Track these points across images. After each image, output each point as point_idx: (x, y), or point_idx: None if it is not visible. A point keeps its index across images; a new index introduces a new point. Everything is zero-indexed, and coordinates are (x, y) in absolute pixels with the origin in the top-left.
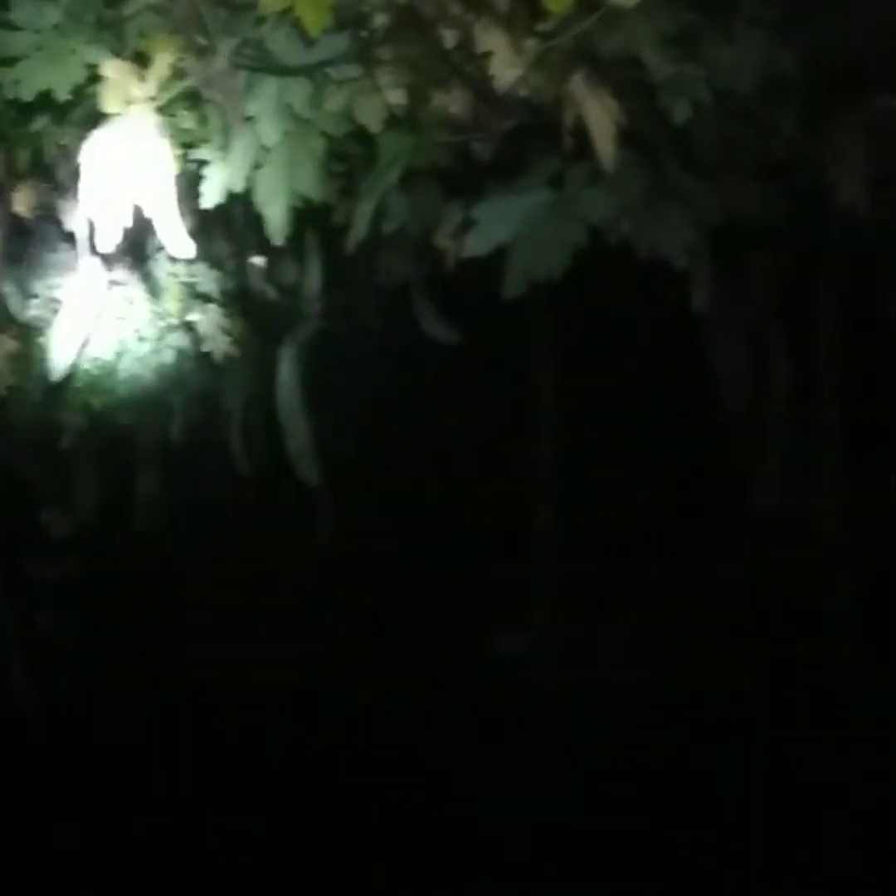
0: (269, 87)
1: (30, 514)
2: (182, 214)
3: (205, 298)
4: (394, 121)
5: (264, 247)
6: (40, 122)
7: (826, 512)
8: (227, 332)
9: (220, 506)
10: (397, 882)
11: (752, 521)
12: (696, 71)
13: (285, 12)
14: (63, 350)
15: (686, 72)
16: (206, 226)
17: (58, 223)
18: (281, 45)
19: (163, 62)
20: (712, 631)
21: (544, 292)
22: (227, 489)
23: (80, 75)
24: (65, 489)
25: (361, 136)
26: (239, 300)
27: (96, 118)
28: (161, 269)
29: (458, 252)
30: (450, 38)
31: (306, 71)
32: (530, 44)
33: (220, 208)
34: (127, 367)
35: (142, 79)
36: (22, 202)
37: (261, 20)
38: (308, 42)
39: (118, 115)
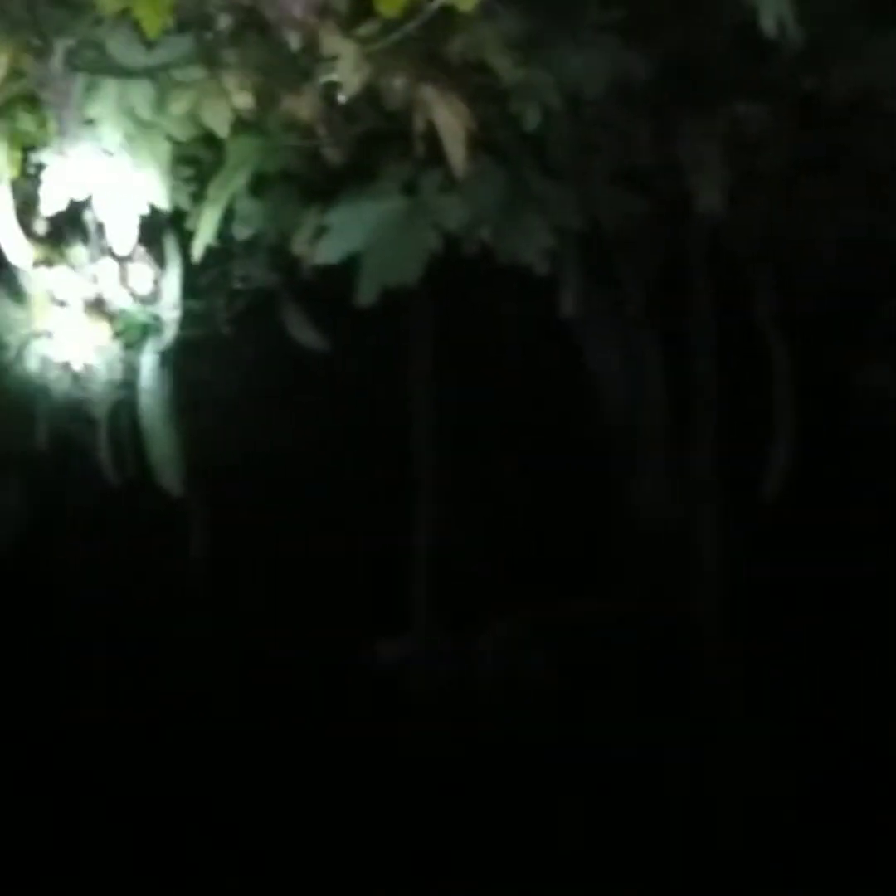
0: (110, 89)
1: None
2: (33, 217)
3: (63, 304)
4: (242, 124)
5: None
6: None
7: (699, 515)
8: (86, 338)
9: (87, 517)
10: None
11: (631, 524)
12: (545, 76)
13: (124, 13)
14: None
15: (535, 77)
16: (60, 229)
17: None
18: (121, 46)
19: None
20: (592, 633)
21: (424, 301)
22: (95, 500)
23: None
24: None
25: (210, 140)
26: (98, 307)
27: None
28: (23, 274)
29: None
30: (294, 40)
31: (148, 73)
32: (375, 48)
33: (73, 211)
34: None
35: None
36: None
37: (99, 21)
38: (149, 43)
39: None
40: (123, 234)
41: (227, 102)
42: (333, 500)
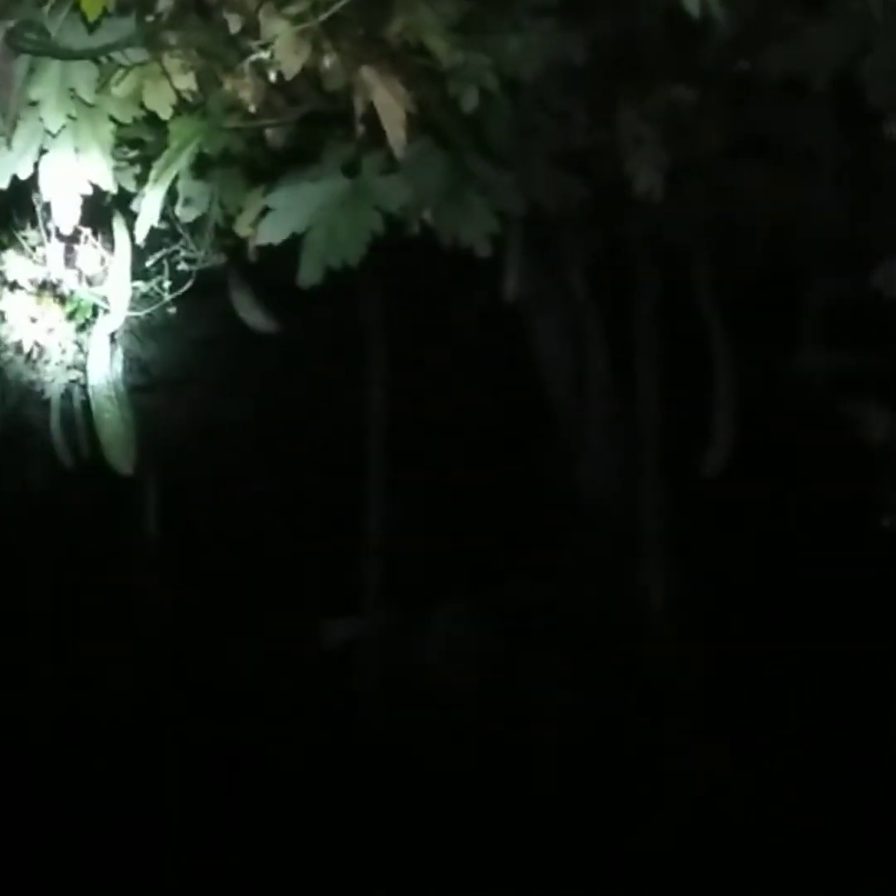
0: (52, 70)
1: None
2: None
3: (13, 286)
4: (184, 106)
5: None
6: None
7: (641, 493)
8: (37, 320)
9: (42, 497)
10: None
11: (576, 503)
12: (483, 58)
13: None
14: None
15: (472, 59)
16: (9, 212)
17: None
18: (64, 28)
19: None
20: (542, 613)
21: (375, 286)
22: (49, 480)
23: None
24: None
25: (154, 121)
26: (48, 289)
27: None
28: None
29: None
30: (235, 22)
31: (90, 55)
32: (312, 26)
33: (20, 192)
34: None
35: None
36: None
37: (41, 2)
38: (92, 25)
39: None
40: (67, 214)
41: (169, 84)
42: (284, 482)
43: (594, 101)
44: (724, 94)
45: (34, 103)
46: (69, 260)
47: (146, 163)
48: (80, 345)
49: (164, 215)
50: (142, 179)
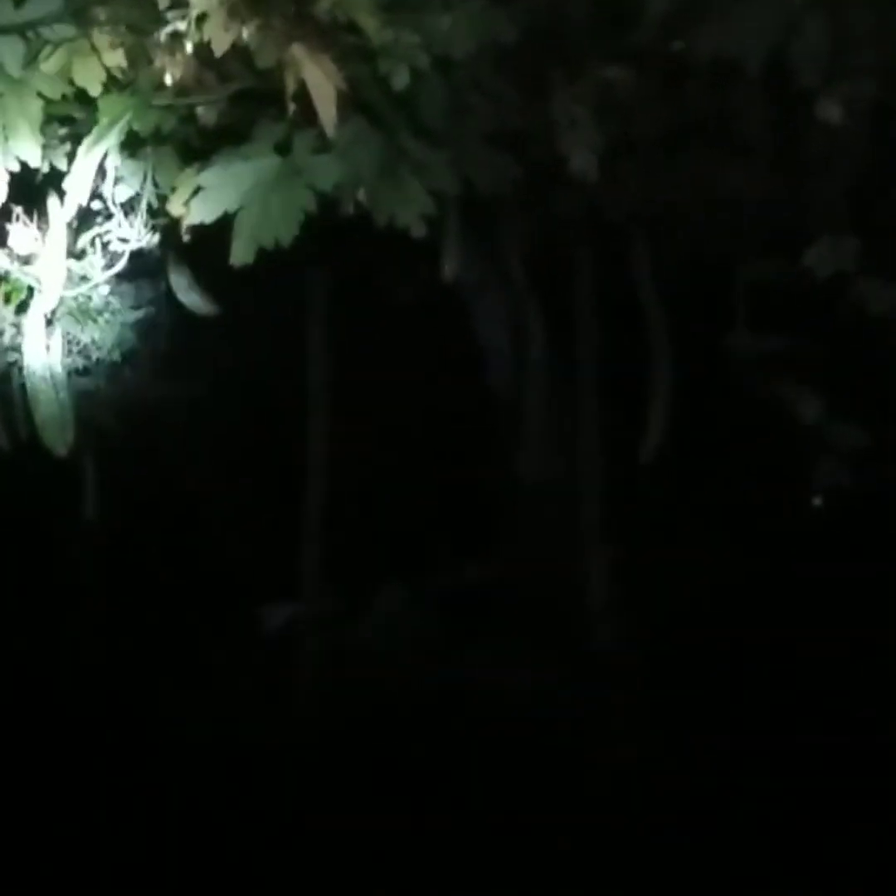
0: None
1: None
2: None
3: None
4: (113, 83)
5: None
6: None
7: (581, 480)
8: None
9: None
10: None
11: (516, 490)
12: (413, 37)
13: None
14: None
15: (403, 37)
16: None
17: None
18: None
19: None
20: (483, 596)
21: (317, 269)
22: None
23: None
24: None
25: (83, 98)
26: None
27: None
28: None
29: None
30: None
31: (17, 30)
32: (242, 6)
33: None
34: None
35: None
36: None
37: None
38: (19, 0)
39: None
40: None
41: (98, 61)
42: (223, 465)
43: (527, 81)
44: (658, 75)
45: None
46: (1, 239)
47: (77, 140)
48: (18, 327)
49: (99, 194)
50: (73, 157)
